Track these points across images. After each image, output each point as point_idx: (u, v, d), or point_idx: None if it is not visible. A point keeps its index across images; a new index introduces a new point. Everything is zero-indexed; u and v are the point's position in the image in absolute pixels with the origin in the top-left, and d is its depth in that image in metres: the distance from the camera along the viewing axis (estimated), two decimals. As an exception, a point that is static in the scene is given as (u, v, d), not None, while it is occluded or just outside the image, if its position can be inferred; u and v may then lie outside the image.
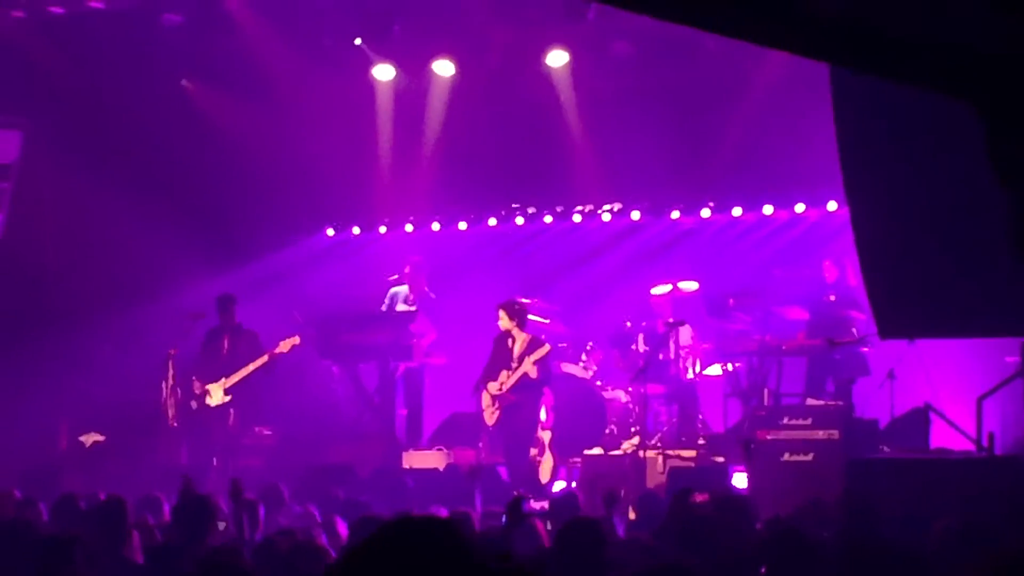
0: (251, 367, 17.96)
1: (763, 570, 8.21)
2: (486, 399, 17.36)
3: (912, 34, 3.40)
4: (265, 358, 17.99)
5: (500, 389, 17.18)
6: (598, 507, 12.97)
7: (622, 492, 14.12)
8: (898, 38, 3.41)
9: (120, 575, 8.93)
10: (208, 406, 17.96)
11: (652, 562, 7.73)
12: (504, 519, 10.08)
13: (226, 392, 17.95)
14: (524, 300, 17.96)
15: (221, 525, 10.85)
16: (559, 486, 17.48)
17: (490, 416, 17.35)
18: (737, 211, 20.50)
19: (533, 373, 17.09)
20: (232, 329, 18.26)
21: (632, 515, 14.06)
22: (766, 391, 17.12)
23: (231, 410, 17.99)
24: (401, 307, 19.70)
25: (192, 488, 10.87)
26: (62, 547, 8.58)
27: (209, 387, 17.98)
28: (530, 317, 18.03)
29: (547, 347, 17.25)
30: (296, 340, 18.04)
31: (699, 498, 11.09)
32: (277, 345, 18.01)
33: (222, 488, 14.97)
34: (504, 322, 17.33)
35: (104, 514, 10.08)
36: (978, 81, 3.51)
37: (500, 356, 17.36)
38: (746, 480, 15.02)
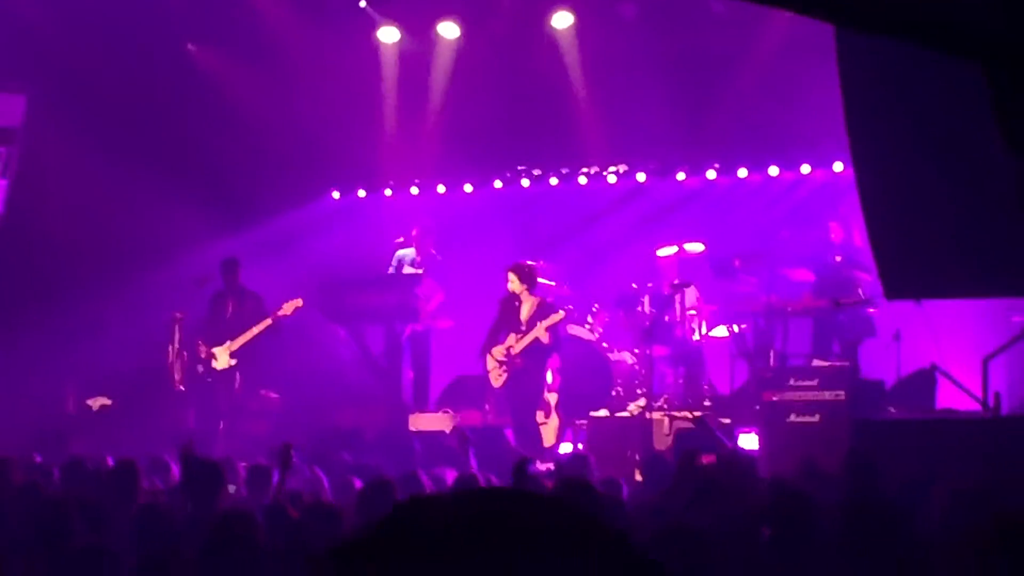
0: (255, 330, 17.98)
1: (766, 532, 8.23)
2: (491, 361, 17.34)
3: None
4: (269, 321, 17.99)
5: (508, 352, 17.17)
6: (606, 468, 13.02)
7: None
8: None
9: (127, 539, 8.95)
10: (214, 370, 18.00)
11: (660, 524, 7.74)
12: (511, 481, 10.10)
13: (232, 356, 17.98)
14: (531, 263, 17.94)
15: (231, 488, 10.88)
16: (565, 448, 17.50)
17: (496, 378, 17.34)
18: (743, 172, 20.48)
19: (545, 339, 17.06)
20: (236, 292, 18.28)
21: (638, 477, 14.10)
22: (772, 352, 17.15)
23: (237, 374, 18.04)
24: (408, 270, 19.70)
25: (193, 452, 10.88)
26: (63, 510, 8.61)
27: (215, 351, 18.02)
28: (540, 281, 18.02)
29: (561, 313, 17.21)
30: (299, 302, 18.02)
31: (706, 459, 11.12)
32: (280, 308, 18.02)
33: (230, 451, 15.06)
34: (515, 284, 17.27)
35: (116, 477, 10.12)
36: (985, 41, 3.50)
37: (507, 318, 17.33)
38: (756, 441, 15.04)
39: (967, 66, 3.88)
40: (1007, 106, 3.54)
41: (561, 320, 17.20)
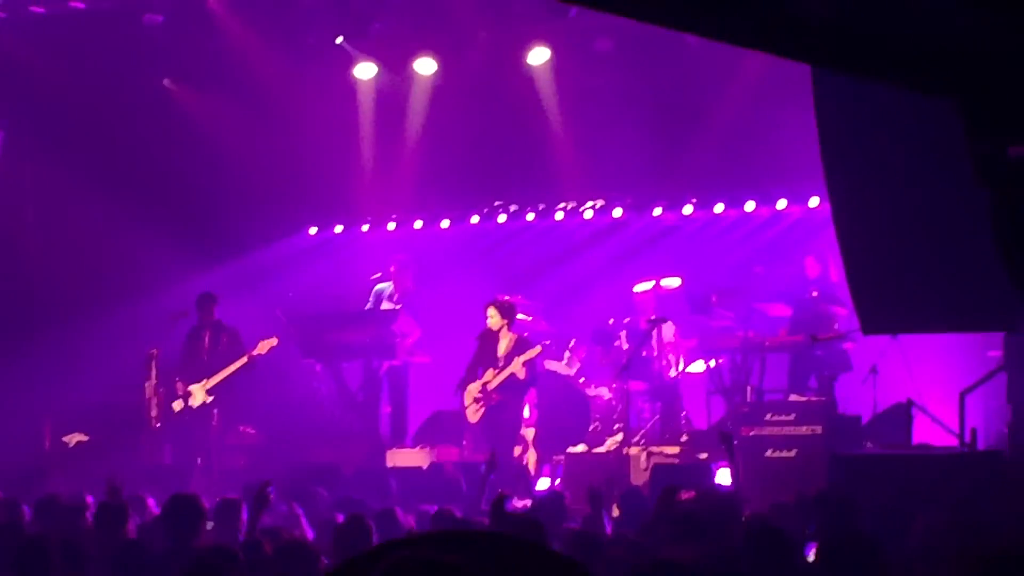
0: (231, 368, 17.92)
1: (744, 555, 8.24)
2: (469, 397, 17.33)
3: (890, 32, 3.42)
4: (245, 359, 17.95)
5: (484, 388, 17.16)
6: (583, 504, 13.00)
7: (605, 490, 14.14)
8: (876, 37, 3.43)
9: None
10: (191, 407, 17.93)
11: (640, 559, 7.74)
12: (488, 518, 10.09)
13: (208, 393, 17.92)
14: (509, 298, 17.94)
15: (208, 525, 10.84)
16: (543, 483, 17.48)
17: (473, 414, 17.32)
18: (719, 208, 20.51)
19: (521, 374, 17.05)
20: (212, 327, 18.22)
21: (616, 512, 14.08)
22: (749, 388, 17.16)
23: (214, 411, 17.97)
24: (386, 305, 19.70)
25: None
26: (38, 547, 8.58)
27: (191, 388, 17.95)
28: (519, 317, 18.03)
29: (538, 348, 17.22)
30: (274, 341, 18.00)
31: (685, 495, 11.11)
32: (255, 347, 17.98)
33: (206, 488, 15.02)
34: (495, 320, 17.25)
35: (104, 516, 10.11)
36: (957, 79, 3.53)
37: (484, 354, 17.32)
38: (729, 476, 15.02)
39: (941, 104, 3.92)
40: (979, 144, 3.58)
41: (538, 355, 17.19)
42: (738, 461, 14.07)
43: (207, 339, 18.17)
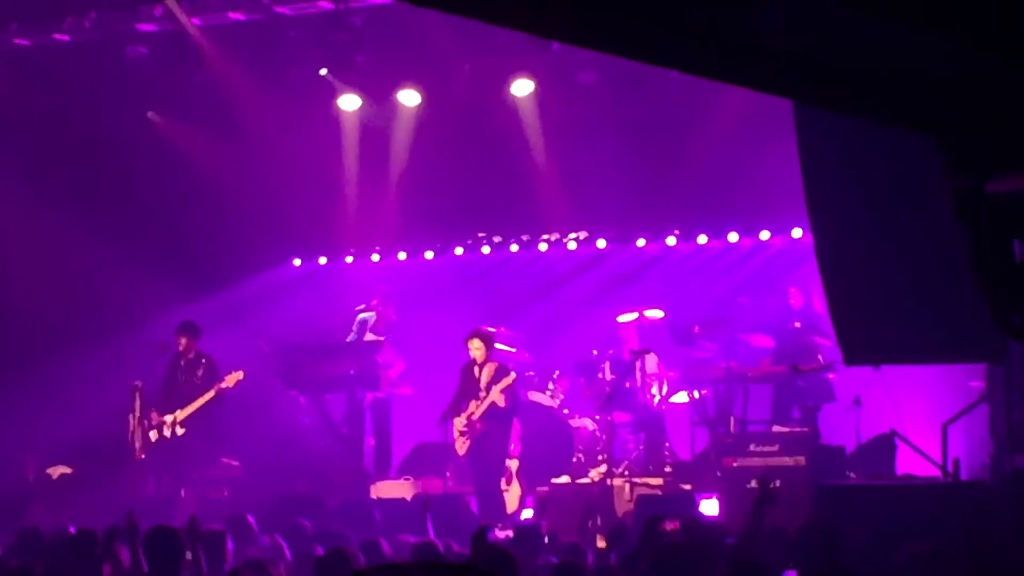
0: (201, 401, 17.82)
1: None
2: (456, 430, 17.32)
3: (860, 67, 3.45)
4: (212, 393, 17.85)
5: (469, 419, 17.15)
6: (568, 535, 13.00)
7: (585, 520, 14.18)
8: (846, 71, 3.46)
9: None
10: (166, 437, 17.83)
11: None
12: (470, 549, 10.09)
13: (180, 424, 17.80)
14: (490, 329, 17.97)
15: (190, 555, 10.83)
16: (527, 514, 17.47)
17: (461, 447, 17.32)
18: (702, 239, 20.56)
19: (501, 402, 17.06)
20: (190, 359, 18.13)
21: (601, 544, 14.07)
22: (732, 418, 17.18)
23: (194, 442, 17.85)
24: (369, 336, 19.71)
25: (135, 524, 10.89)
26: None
27: (165, 419, 17.86)
28: (497, 346, 18.05)
29: (513, 375, 17.23)
30: (240, 375, 17.87)
31: (669, 526, 11.13)
32: (223, 380, 17.88)
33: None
34: (479, 351, 17.26)
35: (75, 547, 10.08)
36: (934, 116, 3.57)
37: (468, 386, 17.33)
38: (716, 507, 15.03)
39: (922, 139, 3.96)
40: (957, 179, 3.61)
41: (512, 381, 17.15)
42: (719, 492, 14.10)
43: (184, 370, 18.08)
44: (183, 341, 18.06)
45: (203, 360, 18.08)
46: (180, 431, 17.77)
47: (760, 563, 8.42)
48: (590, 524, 14.54)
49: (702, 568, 9.05)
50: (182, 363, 18.09)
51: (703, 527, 12.08)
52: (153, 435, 17.90)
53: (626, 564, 10.08)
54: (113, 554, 10.73)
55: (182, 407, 17.80)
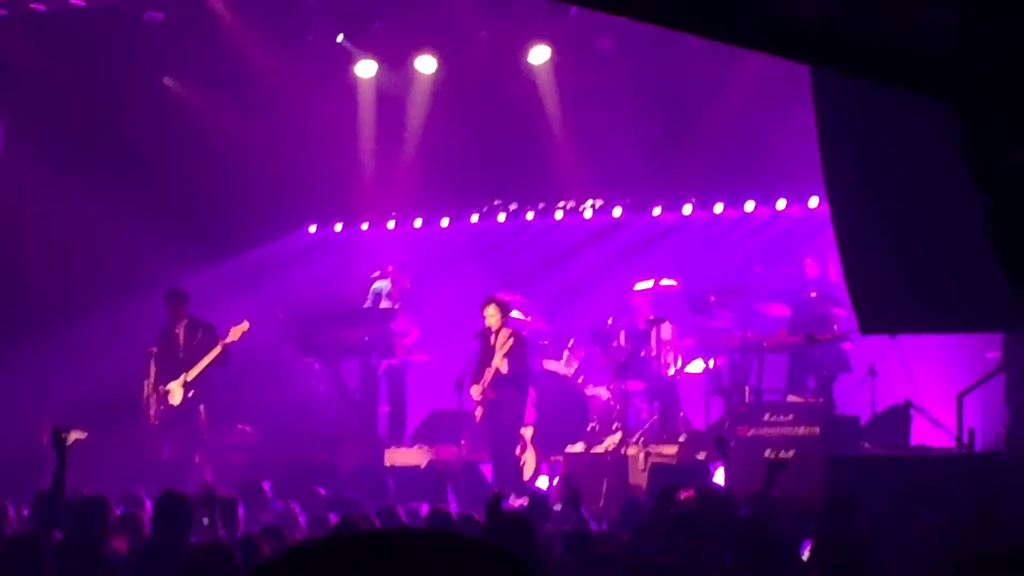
0: (206, 360, 17.71)
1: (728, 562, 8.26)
2: (474, 397, 17.26)
3: (885, 34, 3.41)
4: (218, 349, 17.74)
5: (483, 387, 17.12)
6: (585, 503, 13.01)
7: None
8: (871, 38, 3.42)
9: (104, 573, 8.90)
10: (172, 405, 17.75)
11: (631, 560, 7.74)
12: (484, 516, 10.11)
13: (186, 388, 17.71)
14: (505, 296, 17.94)
15: (205, 521, 10.84)
16: (542, 482, 17.48)
17: (479, 414, 17.30)
18: (719, 208, 20.51)
19: (504, 368, 16.98)
20: (186, 324, 18.04)
21: (614, 512, 14.09)
22: (747, 388, 17.18)
23: (200, 406, 17.78)
24: (384, 303, 19.69)
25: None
26: (29, 544, 8.57)
27: (169, 386, 17.76)
28: (512, 314, 18.02)
29: (512, 340, 17.09)
30: (245, 326, 17.67)
31: (684, 495, 11.11)
32: (227, 334, 17.80)
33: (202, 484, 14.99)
34: (495, 318, 17.18)
35: (85, 513, 10.08)
36: (952, 82, 3.52)
37: (486, 353, 17.28)
38: (723, 477, 15.02)
39: (939, 105, 3.91)
40: (974, 145, 3.57)
41: (512, 345, 17.05)
42: (734, 462, 14.10)
43: (181, 336, 17.97)
44: (174, 308, 17.93)
45: (199, 324, 17.96)
46: (189, 394, 17.68)
47: (772, 529, 8.39)
48: (604, 489, 14.58)
49: (713, 536, 9.03)
50: (177, 330, 17.97)
51: (716, 496, 12.06)
52: (161, 405, 17.79)
53: (639, 534, 10.07)
54: (133, 520, 10.75)
55: (185, 371, 17.71)
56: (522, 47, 20.42)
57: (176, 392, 17.71)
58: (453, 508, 12.47)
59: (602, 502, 15.39)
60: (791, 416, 15.40)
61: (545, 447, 17.79)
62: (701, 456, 16.44)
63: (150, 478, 15.15)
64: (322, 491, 13.55)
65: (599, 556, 8.39)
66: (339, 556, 2.40)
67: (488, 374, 17.05)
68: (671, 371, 18.36)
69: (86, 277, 20.88)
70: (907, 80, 3.71)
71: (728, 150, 19.46)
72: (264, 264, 21.83)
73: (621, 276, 19.57)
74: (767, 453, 15.11)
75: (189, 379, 17.67)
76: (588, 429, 18.11)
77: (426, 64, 20.87)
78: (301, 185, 21.74)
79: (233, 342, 17.66)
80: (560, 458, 17.25)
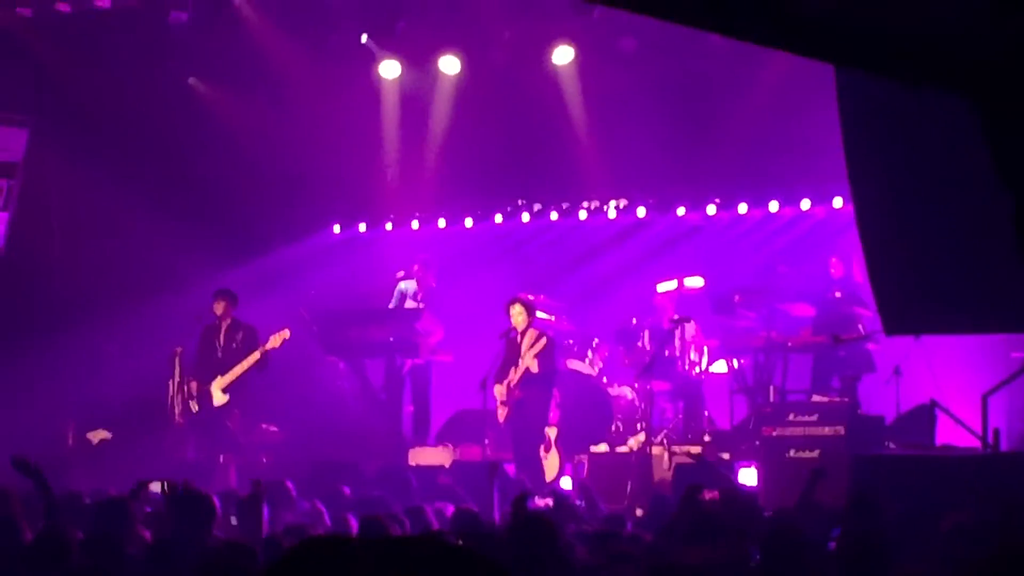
0: (244, 365, 17.76)
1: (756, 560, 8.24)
2: (499, 399, 17.27)
3: (906, 32, 3.41)
4: (257, 355, 17.79)
5: (508, 387, 17.12)
6: (607, 503, 13.01)
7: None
8: (892, 35, 3.42)
9: (125, 573, 8.92)
10: (212, 406, 17.80)
11: (655, 560, 7.73)
12: (510, 516, 10.11)
13: (224, 391, 17.77)
14: (530, 296, 17.94)
15: (233, 520, 10.87)
16: (565, 483, 17.47)
17: (501, 414, 17.30)
18: (743, 208, 20.48)
19: (534, 367, 16.98)
20: (228, 325, 18.09)
21: (639, 512, 14.09)
22: (772, 388, 17.14)
23: (234, 410, 17.85)
24: (409, 304, 19.71)
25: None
26: (61, 542, 8.59)
27: (210, 387, 17.81)
28: (537, 314, 18.02)
29: (544, 340, 17.12)
30: (286, 334, 17.80)
31: (708, 495, 11.10)
32: (267, 341, 17.85)
33: (230, 484, 15.03)
34: (521, 318, 17.17)
35: (107, 514, 10.10)
36: (973, 78, 3.52)
37: (511, 353, 17.28)
38: (753, 478, 15.01)
39: (963, 103, 3.90)
40: (999, 143, 3.57)
41: (544, 346, 17.06)
42: (758, 462, 14.08)
43: (222, 337, 18.03)
44: (221, 306, 17.98)
45: (241, 326, 18.02)
46: (224, 398, 17.74)
47: (801, 533, 8.38)
48: (628, 489, 14.57)
49: (738, 537, 9.02)
50: (219, 330, 18.02)
51: (741, 496, 12.05)
52: (194, 405, 17.86)
53: (663, 534, 10.06)
54: (157, 518, 10.78)
55: (222, 374, 17.77)
56: (546, 47, 20.43)
57: (216, 394, 17.75)
58: (496, 505, 12.47)
59: (626, 502, 15.38)
60: (816, 416, 15.37)
61: (569, 447, 17.78)
62: (725, 456, 16.43)
63: (175, 478, 15.16)
64: (347, 490, 13.56)
65: (622, 556, 8.39)
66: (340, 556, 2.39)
67: (515, 374, 17.05)
68: (696, 371, 18.33)
69: (111, 277, 20.96)
70: (931, 77, 3.71)
71: (752, 150, 19.44)
72: (289, 264, 21.87)
73: (645, 276, 19.55)
74: (791, 453, 15.11)
75: (225, 384, 17.69)
76: (612, 429, 18.11)
77: (450, 64, 20.90)
78: (325, 185, 21.80)
79: (273, 348, 17.72)
80: (584, 458, 17.25)
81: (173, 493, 10.84)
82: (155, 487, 11.24)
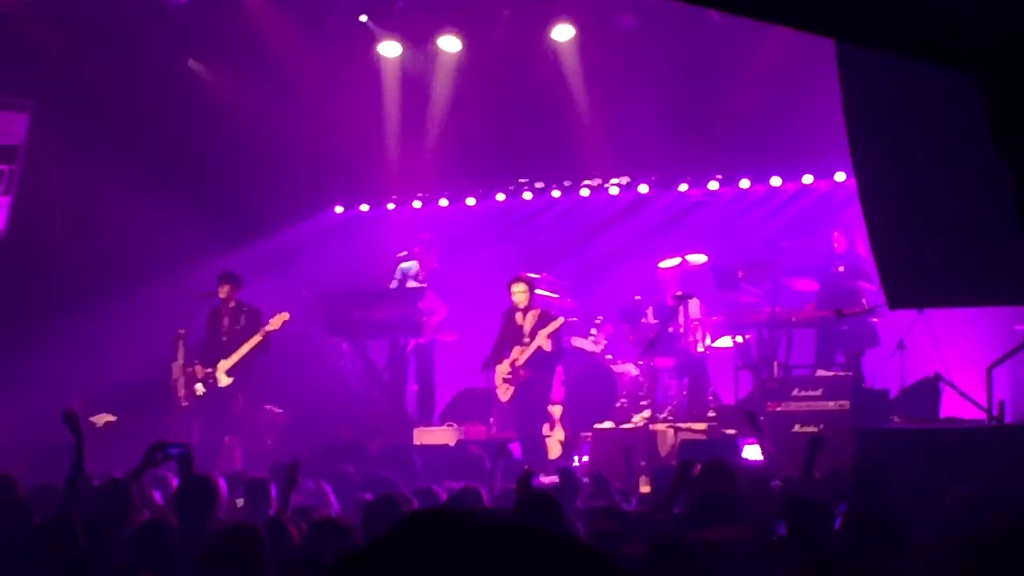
0: (246, 347, 17.74)
1: (782, 529, 8.24)
2: (499, 377, 17.28)
3: (907, 8, 3.40)
4: (259, 337, 17.75)
5: (513, 366, 17.12)
6: (612, 480, 13.01)
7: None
8: (892, 11, 3.41)
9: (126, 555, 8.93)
10: (217, 389, 17.77)
11: (660, 536, 7.73)
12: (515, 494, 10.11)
13: (228, 374, 17.75)
14: (533, 275, 17.94)
15: (239, 502, 10.88)
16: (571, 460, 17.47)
17: (504, 393, 17.29)
18: (745, 183, 20.47)
19: (547, 347, 17.01)
20: (232, 307, 18.07)
21: (646, 488, 14.11)
22: (776, 363, 17.13)
23: (238, 392, 17.83)
24: (411, 283, 19.70)
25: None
26: (66, 527, 8.61)
27: (210, 370, 17.76)
28: (539, 292, 18.02)
29: (560, 319, 17.17)
30: (286, 316, 17.74)
31: (697, 470, 11.09)
32: (268, 323, 17.82)
33: (236, 466, 15.03)
34: (523, 296, 17.17)
35: (109, 496, 10.11)
36: (974, 53, 3.51)
37: (510, 331, 17.29)
38: (760, 452, 15.00)
39: (963, 78, 3.90)
40: (998, 117, 3.55)
41: (561, 326, 17.13)
42: (765, 436, 14.08)
43: (226, 319, 17.99)
44: (225, 289, 17.94)
45: (244, 308, 17.99)
46: (228, 380, 17.73)
47: (817, 501, 8.40)
48: (633, 466, 14.57)
49: (749, 512, 9.03)
50: (223, 313, 17.99)
51: (748, 472, 12.05)
52: (199, 388, 17.84)
53: (659, 507, 10.08)
54: (149, 499, 10.78)
55: (226, 356, 17.75)
56: (545, 25, 20.39)
57: (221, 377, 17.73)
58: (498, 482, 12.48)
59: (632, 479, 15.38)
60: (820, 390, 15.38)
61: (574, 425, 17.79)
62: (730, 432, 16.42)
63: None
64: (351, 470, 13.56)
65: (627, 532, 8.39)
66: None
67: (520, 353, 17.04)
68: (700, 347, 18.33)
69: (113, 261, 20.96)
70: (931, 55, 3.69)
71: (754, 125, 19.41)
72: (291, 245, 21.88)
73: (648, 253, 19.54)
74: (796, 428, 15.12)
75: (229, 366, 17.67)
76: (617, 406, 18.11)
77: (449, 43, 20.87)
78: (327, 166, 21.79)
79: (274, 330, 17.70)
80: (589, 435, 17.25)
81: (185, 459, 10.84)
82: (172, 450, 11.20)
